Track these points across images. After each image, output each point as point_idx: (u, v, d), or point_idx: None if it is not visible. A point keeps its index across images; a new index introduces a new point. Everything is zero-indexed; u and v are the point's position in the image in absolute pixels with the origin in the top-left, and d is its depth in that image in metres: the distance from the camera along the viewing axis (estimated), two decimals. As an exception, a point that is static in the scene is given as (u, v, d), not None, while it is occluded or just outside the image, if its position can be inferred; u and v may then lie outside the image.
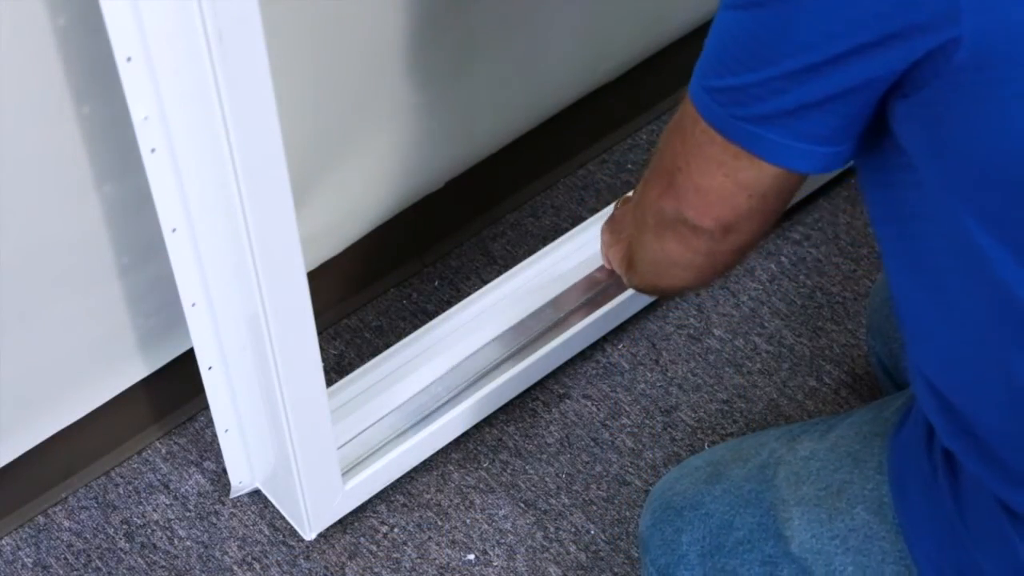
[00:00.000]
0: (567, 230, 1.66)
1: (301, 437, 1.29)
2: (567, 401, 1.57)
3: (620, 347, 1.61)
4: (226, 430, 1.38)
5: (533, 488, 1.50)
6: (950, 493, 0.95)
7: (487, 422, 1.54)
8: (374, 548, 1.46)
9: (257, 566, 1.44)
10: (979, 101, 0.79)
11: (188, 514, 1.48)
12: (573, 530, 1.47)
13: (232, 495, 1.48)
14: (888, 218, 0.94)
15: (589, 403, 1.57)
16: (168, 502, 1.49)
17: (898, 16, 0.78)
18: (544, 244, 1.64)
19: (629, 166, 1.82)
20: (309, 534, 1.44)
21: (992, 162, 0.81)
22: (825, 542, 1.03)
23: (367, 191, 1.57)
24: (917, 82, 0.80)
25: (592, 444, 1.53)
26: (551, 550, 1.45)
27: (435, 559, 1.45)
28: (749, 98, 0.86)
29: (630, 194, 1.48)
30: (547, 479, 1.51)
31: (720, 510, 1.10)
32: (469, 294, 1.58)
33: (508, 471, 1.52)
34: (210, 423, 1.45)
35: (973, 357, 0.91)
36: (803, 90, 0.84)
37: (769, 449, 1.11)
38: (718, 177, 0.93)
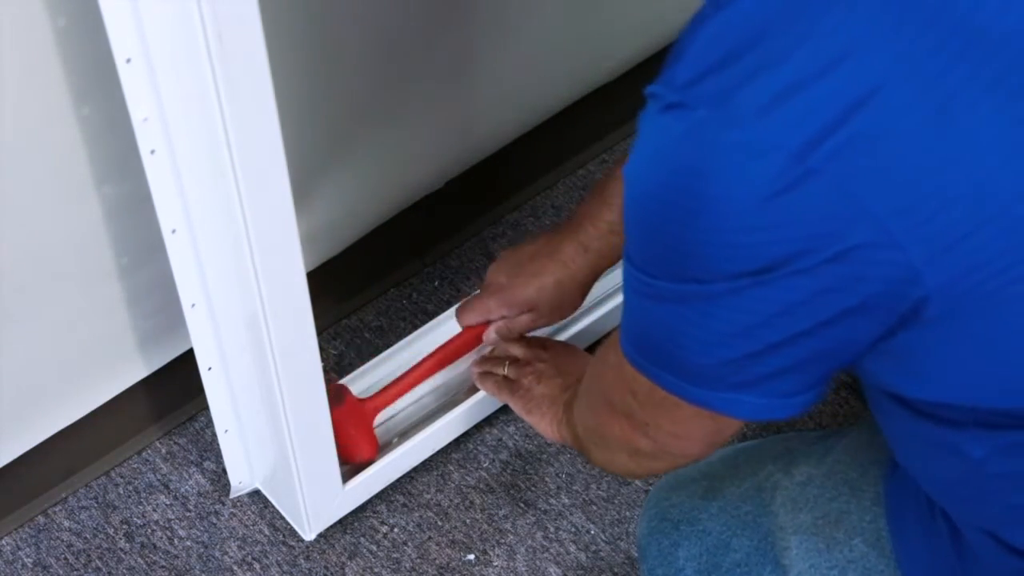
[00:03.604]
0: (567, 230, 1.66)
1: (301, 437, 1.29)
2: (567, 401, 1.57)
3: (620, 347, 1.61)
4: (226, 430, 1.38)
5: (533, 488, 1.50)
6: (948, 532, 0.94)
7: (487, 422, 1.54)
8: (374, 548, 1.46)
9: (257, 566, 1.44)
10: (955, 342, 0.76)
11: (188, 514, 1.48)
12: (573, 530, 1.47)
13: (232, 495, 1.48)
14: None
15: (589, 403, 1.57)
16: (168, 502, 1.49)
17: (851, 290, 0.73)
18: (544, 244, 1.63)
19: (629, 166, 1.82)
20: (309, 534, 1.44)
21: (971, 386, 0.80)
22: (823, 573, 1.01)
23: (367, 191, 1.57)
24: (886, 333, 0.77)
25: (592, 444, 1.53)
26: (551, 550, 1.45)
27: (435, 559, 1.45)
28: (713, 375, 0.82)
29: (514, 349, 1.42)
30: (547, 479, 1.51)
31: (717, 529, 1.09)
32: (469, 294, 1.57)
33: (508, 471, 1.52)
34: (210, 423, 1.45)
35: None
36: (773, 361, 0.79)
37: (767, 471, 1.10)
38: (698, 424, 0.90)
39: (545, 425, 1.33)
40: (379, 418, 1.45)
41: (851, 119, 0.69)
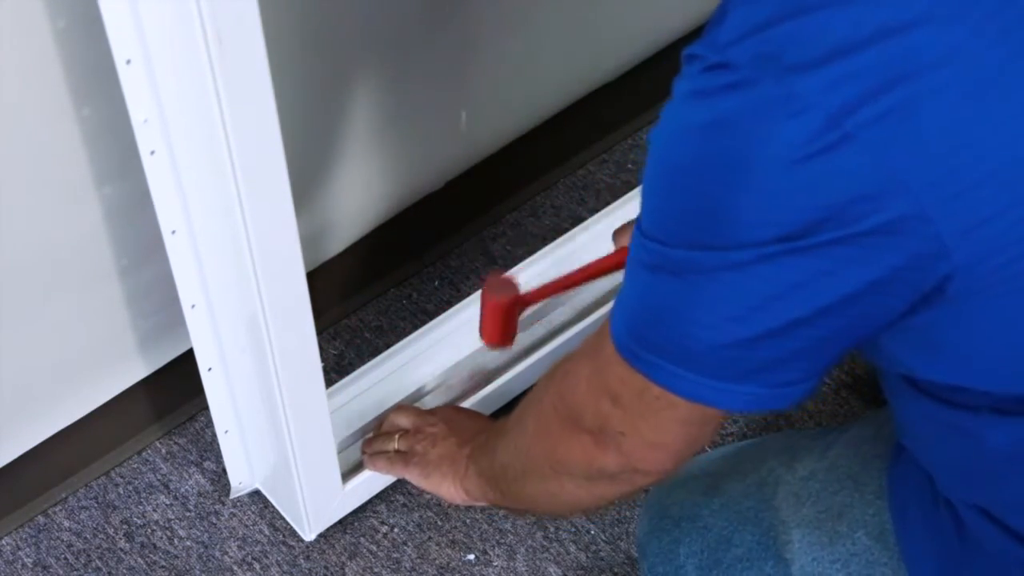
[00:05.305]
0: (567, 230, 1.66)
1: (301, 438, 1.29)
2: (567, 401, 1.57)
3: (620, 347, 1.61)
4: (226, 431, 1.38)
5: (533, 488, 1.50)
6: (952, 523, 0.94)
7: (487, 422, 1.54)
8: (374, 548, 1.46)
9: (257, 566, 1.44)
10: (972, 322, 0.76)
11: (188, 514, 1.48)
12: (573, 530, 1.47)
13: (232, 495, 1.48)
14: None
15: (589, 403, 1.57)
16: (168, 502, 1.49)
17: (877, 262, 0.73)
18: (544, 244, 1.63)
19: (629, 166, 1.82)
20: (309, 534, 1.44)
21: (985, 370, 0.80)
22: (826, 566, 1.01)
23: (367, 191, 1.57)
24: (907, 311, 0.77)
25: (592, 444, 1.53)
26: (551, 550, 1.45)
27: (435, 559, 1.45)
28: (719, 359, 0.80)
29: (402, 420, 1.39)
30: (547, 479, 1.51)
31: (718, 525, 1.09)
32: (469, 294, 1.58)
33: (508, 471, 1.52)
34: (210, 423, 1.45)
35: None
36: (786, 343, 0.78)
37: (768, 467, 1.10)
38: (681, 432, 0.88)
39: (447, 486, 1.29)
40: (379, 416, 1.45)
41: (891, 89, 0.69)
